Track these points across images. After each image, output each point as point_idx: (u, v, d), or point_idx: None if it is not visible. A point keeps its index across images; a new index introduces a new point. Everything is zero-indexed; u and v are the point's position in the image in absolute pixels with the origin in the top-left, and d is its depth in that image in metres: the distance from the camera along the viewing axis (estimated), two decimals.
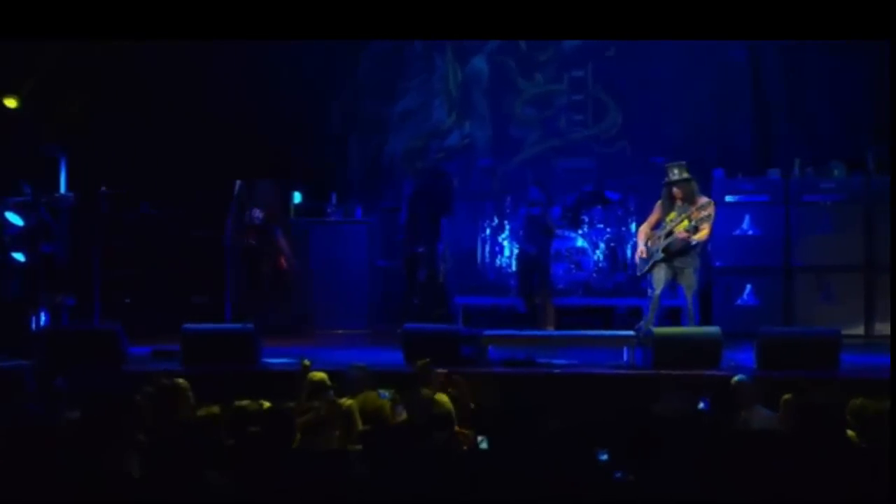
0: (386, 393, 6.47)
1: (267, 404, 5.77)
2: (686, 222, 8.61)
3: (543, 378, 8.01)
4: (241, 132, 11.07)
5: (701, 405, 6.08)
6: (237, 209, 9.59)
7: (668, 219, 8.77)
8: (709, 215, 8.58)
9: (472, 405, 6.73)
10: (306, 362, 6.82)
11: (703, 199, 8.76)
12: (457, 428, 6.01)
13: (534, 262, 10.13)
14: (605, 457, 5.04)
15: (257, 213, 9.59)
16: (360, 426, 6.21)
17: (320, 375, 6.60)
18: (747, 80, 11.49)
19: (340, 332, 10.71)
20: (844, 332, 8.90)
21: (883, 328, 10.22)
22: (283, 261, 9.89)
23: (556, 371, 8.19)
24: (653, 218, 8.93)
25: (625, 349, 8.45)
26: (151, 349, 8.84)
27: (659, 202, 8.93)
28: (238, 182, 9.63)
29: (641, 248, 8.84)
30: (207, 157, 10.85)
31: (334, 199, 11.30)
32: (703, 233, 8.64)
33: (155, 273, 10.62)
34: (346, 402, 6.42)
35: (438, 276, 10.45)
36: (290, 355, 8.58)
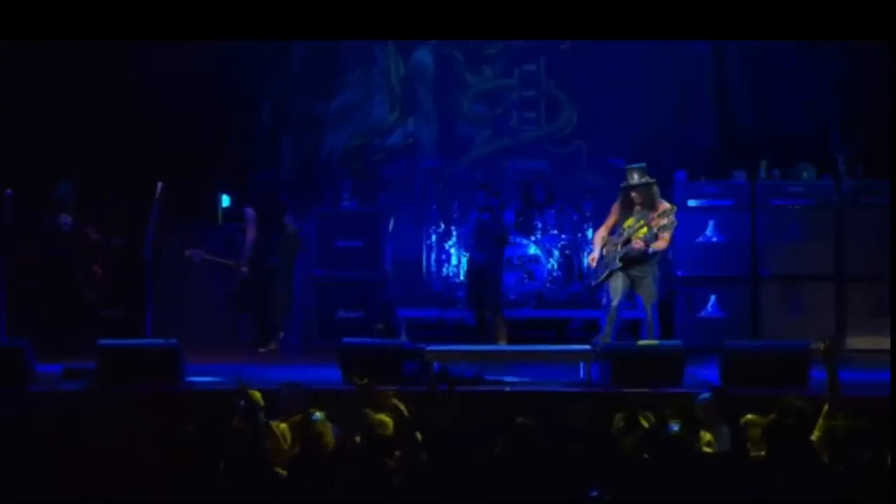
0: (318, 415, 6.42)
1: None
2: (645, 230, 8.66)
3: (493, 397, 8.00)
4: (163, 131, 10.96)
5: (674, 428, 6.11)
6: (159, 213, 9.51)
7: (625, 224, 8.83)
8: (670, 223, 8.64)
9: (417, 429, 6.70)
10: (244, 384, 6.76)
11: (665, 205, 8.82)
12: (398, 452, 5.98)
13: (484, 272, 10.14)
14: (595, 493, 5.07)
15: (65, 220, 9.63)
16: (291, 449, 6.17)
17: (255, 394, 6.56)
18: (711, 77, 11.60)
19: (272, 347, 10.61)
20: (814, 345, 9.01)
21: (855, 341, 10.36)
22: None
23: (507, 389, 8.20)
24: (609, 221, 8.98)
25: (581, 365, 8.48)
26: (63, 367, 8.70)
27: (616, 204, 8.98)
28: (160, 184, 9.53)
29: (595, 253, 8.88)
30: (126, 158, 10.73)
31: None
32: (663, 242, 8.70)
33: (67, 284, 10.46)
34: (278, 424, 6.37)
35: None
36: (216, 373, 8.50)
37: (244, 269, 10.21)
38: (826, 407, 6.00)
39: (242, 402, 6.49)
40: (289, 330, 10.84)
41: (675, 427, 6.00)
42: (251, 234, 10.16)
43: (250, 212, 10.18)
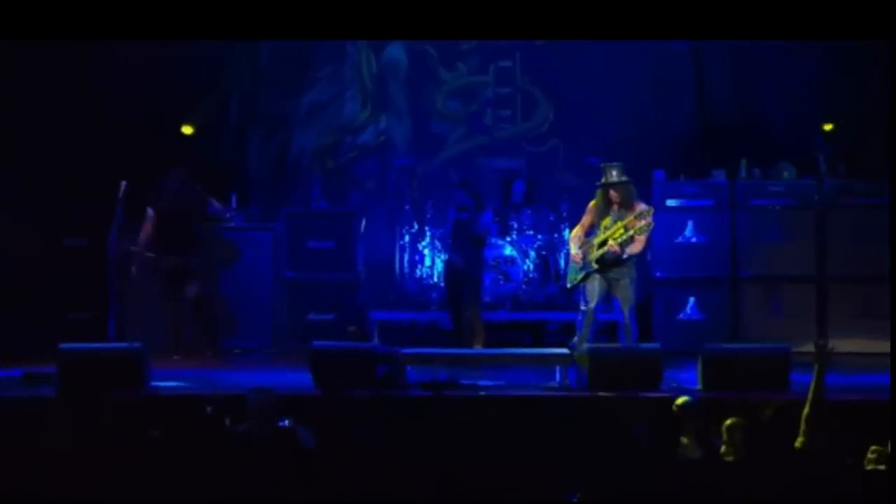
0: (287, 422, 6.41)
1: None
2: (622, 231, 8.68)
3: (468, 401, 8.00)
4: (127, 128, 10.90)
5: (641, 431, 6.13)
6: (122, 213, 9.45)
7: (602, 224, 8.84)
8: (647, 225, 8.66)
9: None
10: (210, 397, 6.72)
11: (642, 206, 8.84)
12: None
13: (462, 274, 10.13)
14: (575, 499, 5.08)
15: None
16: (257, 456, 6.15)
17: (219, 399, 6.53)
18: (690, 74, 11.64)
19: (241, 350, 10.57)
20: (795, 348, 9.06)
21: (836, 344, 10.36)
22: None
23: (482, 393, 8.20)
24: (585, 221, 8.99)
25: (557, 369, 8.49)
26: (22, 372, 8.63)
27: (592, 203, 8.99)
28: (123, 183, 9.48)
29: (576, 252, 8.89)
30: (89, 156, 10.66)
31: (234, 201, 11.17)
32: (638, 245, 8.71)
33: (26, 287, 10.39)
34: (245, 429, 6.35)
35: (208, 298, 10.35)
36: (182, 378, 8.45)
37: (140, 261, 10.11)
38: (806, 411, 6.03)
39: (209, 408, 6.46)
40: (256, 333, 10.80)
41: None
42: (145, 233, 10.09)
43: (149, 211, 10.12)
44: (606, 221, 8.82)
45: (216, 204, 10.39)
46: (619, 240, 8.64)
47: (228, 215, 10.64)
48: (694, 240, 10.70)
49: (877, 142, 10.82)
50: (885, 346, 9.63)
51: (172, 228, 10.09)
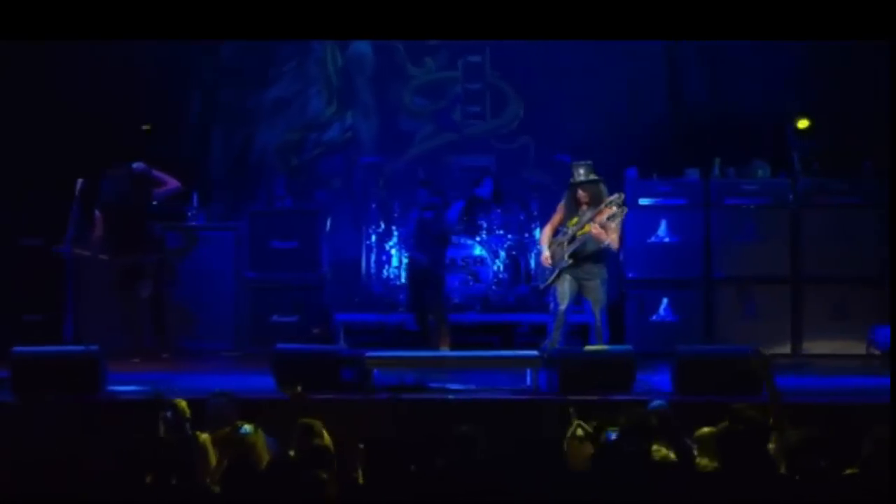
0: (247, 428, 6.37)
1: None
2: (589, 226, 8.69)
3: (436, 405, 7.99)
4: (85, 123, 10.82)
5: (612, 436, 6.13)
6: (79, 212, 9.39)
7: (569, 223, 8.86)
8: (619, 212, 8.64)
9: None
10: (160, 392, 6.69)
11: (610, 198, 8.82)
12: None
13: (426, 274, 10.12)
14: None
15: None
16: (219, 464, 6.12)
17: (180, 404, 6.49)
18: (663, 70, 11.69)
19: (202, 353, 10.52)
20: (769, 351, 9.10)
21: (811, 346, 10.50)
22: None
23: (451, 397, 8.19)
24: (555, 220, 9.01)
25: (528, 372, 8.49)
26: None
27: (562, 203, 9.01)
28: (80, 181, 9.42)
29: (547, 252, 8.89)
30: (46, 154, 10.59)
31: (195, 200, 11.12)
32: (614, 235, 8.71)
33: None
34: (202, 435, 6.32)
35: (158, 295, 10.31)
36: (141, 382, 8.41)
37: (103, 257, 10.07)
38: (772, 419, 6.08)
39: (169, 414, 6.42)
40: (218, 335, 10.75)
41: (613, 435, 6.02)
42: (96, 235, 10.05)
43: (96, 213, 10.07)
44: (575, 220, 8.83)
45: (167, 184, 10.25)
46: (597, 223, 8.60)
47: (178, 189, 10.45)
48: (667, 240, 10.73)
49: (852, 139, 10.91)
50: (860, 348, 9.71)
51: (122, 228, 10.03)
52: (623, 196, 8.83)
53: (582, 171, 8.88)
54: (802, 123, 10.94)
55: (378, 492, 5.48)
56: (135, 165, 10.13)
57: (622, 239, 9.00)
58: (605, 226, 8.66)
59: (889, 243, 9.73)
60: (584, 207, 8.84)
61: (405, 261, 10.99)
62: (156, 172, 10.23)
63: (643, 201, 10.71)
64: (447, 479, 5.50)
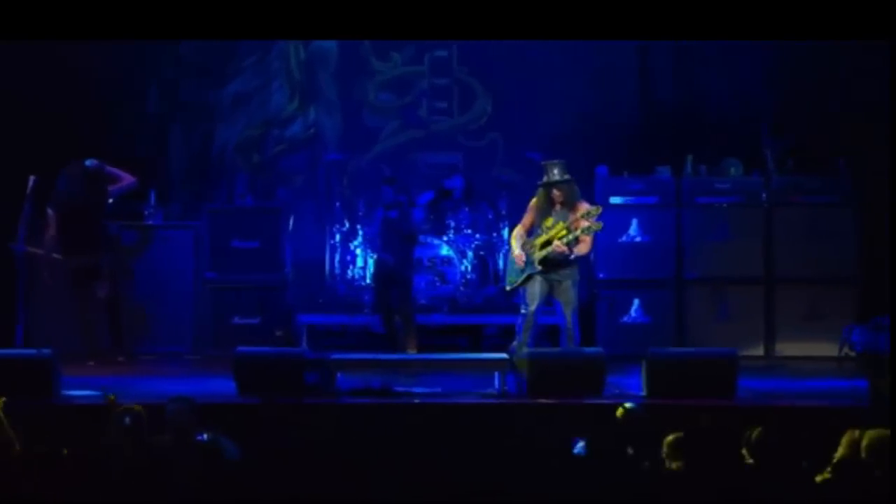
0: (204, 435, 6.36)
1: None
2: (564, 232, 8.71)
3: (402, 409, 7.99)
4: (38, 120, 10.74)
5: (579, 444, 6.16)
6: (31, 210, 9.33)
7: (544, 225, 8.87)
8: (595, 226, 8.70)
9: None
10: (111, 396, 6.65)
11: (586, 206, 8.88)
12: None
13: (393, 274, 10.12)
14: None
15: None
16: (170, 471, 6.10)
17: (136, 409, 6.46)
18: (634, 66, 11.73)
19: (160, 357, 10.46)
20: (742, 353, 9.16)
21: (784, 348, 10.57)
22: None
23: (417, 401, 8.19)
24: (527, 220, 9.02)
25: (496, 375, 8.50)
26: None
27: (533, 201, 9.02)
28: (32, 178, 9.35)
29: (518, 252, 8.89)
30: None
31: (153, 198, 11.07)
32: (584, 245, 8.76)
33: None
34: (160, 440, 6.28)
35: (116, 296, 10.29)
36: (97, 386, 8.36)
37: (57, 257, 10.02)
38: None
39: (126, 420, 6.38)
40: (177, 338, 10.71)
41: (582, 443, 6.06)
42: (49, 234, 10.00)
43: (49, 212, 10.02)
44: (549, 221, 8.85)
45: (122, 180, 10.20)
46: (565, 240, 8.67)
47: (132, 185, 10.39)
48: (638, 239, 10.78)
49: (826, 137, 10.99)
50: (833, 350, 9.78)
51: (76, 227, 9.97)
52: (601, 209, 8.87)
53: (556, 170, 8.90)
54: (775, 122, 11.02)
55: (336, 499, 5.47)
56: (88, 162, 10.07)
57: (594, 241, 9.02)
58: (577, 237, 8.69)
59: (889, 243, 9.80)
60: (558, 207, 8.86)
61: (370, 261, 10.98)
62: (109, 168, 10.17)
63: (614, 200, 10.75)
64: (410, 481, 5.50)
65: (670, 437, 6.12)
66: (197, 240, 10.98)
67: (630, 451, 6.08)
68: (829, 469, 5.64)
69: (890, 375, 7.56)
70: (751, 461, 5.82)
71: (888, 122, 9.89)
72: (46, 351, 8.37)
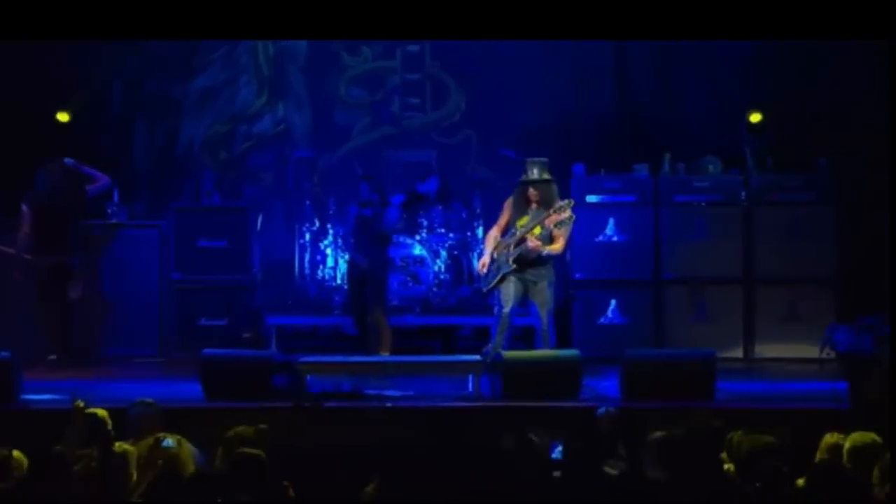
0: (169, 441, 6.32)
1: None
2: (539, 229, 8.72)
3: (373, 413, 7.98)
4: None
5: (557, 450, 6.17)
6: None
7: (518, 224, 8.87)
8: (568, 218, 8.69)
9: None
10: (79, 403, 6.61)
11: (561, 203, 8.87)
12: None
13: (366, 275, 10.10)
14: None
15: None
16: (136, 477, 6.08)
17: (100, 413, 6.43)
18: (610, 62, 11.75)
19: (125, 360, 10.43)
20: (721, 354, 9.19)
21: (764, 350, 10.62)
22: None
23: (389, 405, 8.19)
24: (502, 220, 9.02)
25: (470, 377, 8.50)
26: None
27: (509, 201, 9.02)
28: None
29: (486, 257, 8.91)
30: None
31: (116, 195, 11.02)
32: (559, 243, 8.76)
33: None
34: (124, 446, 6.26)
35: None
36: (58, 390, 8.31)
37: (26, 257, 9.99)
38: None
39: (89, 424, 6.35)
40: (141, 340, 10.67)
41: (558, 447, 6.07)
42: (23, 231, 9.97)
43: (24, 209, 9.99)
44: (523, 221, 8.85)
45: (98, 181, 10.20)
46: (539, 236, 8.67)
47: (108, 186, 10.40)
48: (615, 238, 10.80)
49: (806, 134, 11.04)
50: (813, 351, 9.82)
51: (51, 226, 9.93)
52: (573, 202, 8.88)
53: (536, 169, 8.90)
54: (755, 117, 11.06)
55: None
56: (66, 160, 10.06)
57: (569, 240, 9.02)
58: (551, 233, 8.69)
59: (889, 243, 9.85)
60: (534, 207, 8.86)
61: (341, 261, 10.97)
62: (86, 168, 10.15)
63: (590, 198, 10.77)
64: (381, 486, 5.50)
65: (655, 435, 6.14)
66: (162, 239, 10.95)
67: (608, 465, 6.09)
68: (808, 473, 5.67)
69: (889, 379, 7.59)
70: (730, 465, 5.84)
71: (888, 121, 9.94)
72: (5, 353, 8.31)
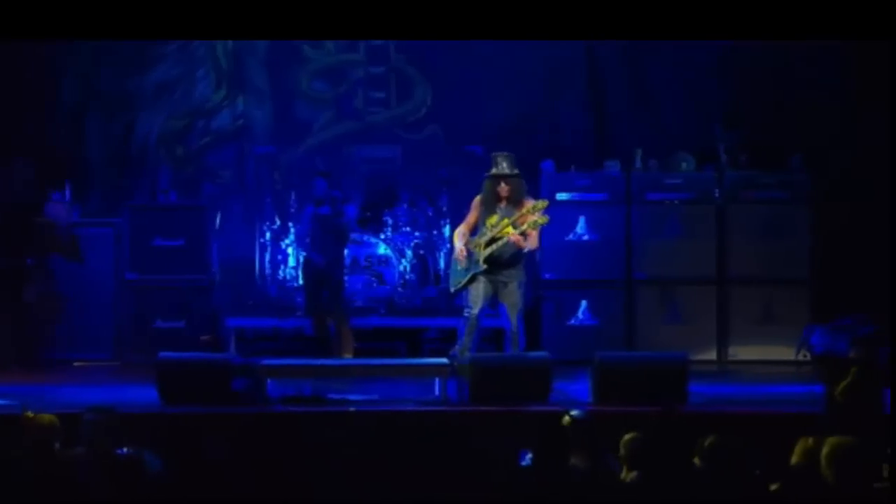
0: (124, 449, 6.31)
1: None
2: (510, 229, 8.73)
3: (336, 417, 7.98)
4: None
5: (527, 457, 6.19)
6: None
7: (488, 223, 8.87)
8: (542, 220, 8.73)
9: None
10: (29, 414, 6.57)
11: (532, 202, 8.90)
12: None
13: (324, 275, 10.09)
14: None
15: None
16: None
17: (48, 419, 6.40)
18: (582, 57, 11.78)
19: (78, 363, 10.38)
20: (694, 357, 9.25)
21: (738, 352, 10.68)
22: None
23: (352, 409, 8.19)
24: (471, 218, 9.02)
25: (436, 381, 8.51)
26: None
27: (477, 198, 9.02)
28: None
29: (461, 248, 8.89)
30: None
31: (69, 193, 10.97)
32: (533, 241, 8.79)
33: None
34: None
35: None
36: (8, 395, 8.26)
37: None
38: None
39: (38, 431, 6.32)
40: (96, 343, 10.62)
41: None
42: None
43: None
44: (493, 219, 8.85)
45: (58, 205, 10.21)
46: (518, 231, 8.67)
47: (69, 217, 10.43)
48: (586, 237, 10.84)
49: (780, 131, 11.12)
50: (788, 354, 9.89)
51: (10, 226, 9.89)
52: (547, 203, 8.91)
53: (504, 163, 8.91)
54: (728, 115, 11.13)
55: None
56: (25, 160, 10.04)
57: (539, 238, 9.05)
58: (524, 232, 8.71)
59: (889, 243, 9.93)
60: (504, 203, 8.87)
61: (302, 260, 10.95)
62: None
63: (560, 196, 10.80)
64: (345, 493, 5.51)
65: (627, 437, 6.17)
66: (117, 238, 10.92)
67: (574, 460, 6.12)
68: (783, 477, 5.71)
69: (867, 382, 7.65)
70: (702, 469, 5.88)
71: (888, 121, 10.03)
72: None
